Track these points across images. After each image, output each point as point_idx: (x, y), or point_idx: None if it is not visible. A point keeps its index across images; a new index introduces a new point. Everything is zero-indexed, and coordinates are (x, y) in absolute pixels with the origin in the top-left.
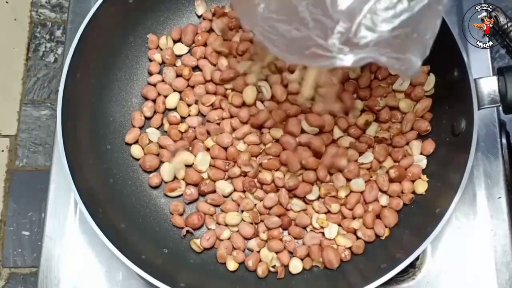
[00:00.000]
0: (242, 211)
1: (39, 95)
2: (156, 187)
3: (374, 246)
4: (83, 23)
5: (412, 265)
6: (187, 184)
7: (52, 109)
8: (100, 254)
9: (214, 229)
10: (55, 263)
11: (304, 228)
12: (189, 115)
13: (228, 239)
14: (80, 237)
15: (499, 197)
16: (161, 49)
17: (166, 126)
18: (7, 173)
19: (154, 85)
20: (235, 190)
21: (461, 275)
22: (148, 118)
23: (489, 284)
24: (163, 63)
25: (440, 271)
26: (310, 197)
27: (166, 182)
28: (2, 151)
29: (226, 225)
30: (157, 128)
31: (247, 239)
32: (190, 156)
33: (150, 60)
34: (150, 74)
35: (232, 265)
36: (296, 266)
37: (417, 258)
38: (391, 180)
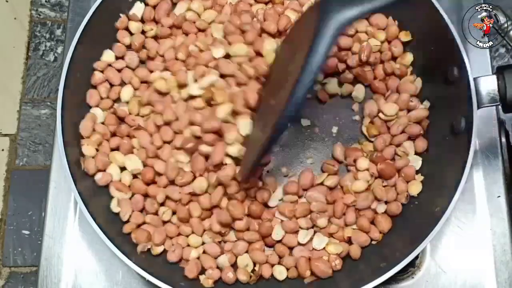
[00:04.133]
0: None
1: (39, 94)
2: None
3: (373, 245)
4: (83, 22)
5: (412, 264)
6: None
7: (52, 108)
8: (100, 253)
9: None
10: (55, 262)
11: (291, 248)
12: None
13: (197, 258)
14: (80, 236)
15: (499, 196)
16: (131, 33)
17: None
18: (7, 172)
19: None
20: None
21: (460, 274)
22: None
23: (488, 283)
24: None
25: (440, 270)
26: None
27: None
28: (2, 150)
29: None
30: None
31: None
32: (121, 157)
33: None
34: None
35: (208, 283)
36: (281, 272)
37: (416, 257)
38: (379, 174)
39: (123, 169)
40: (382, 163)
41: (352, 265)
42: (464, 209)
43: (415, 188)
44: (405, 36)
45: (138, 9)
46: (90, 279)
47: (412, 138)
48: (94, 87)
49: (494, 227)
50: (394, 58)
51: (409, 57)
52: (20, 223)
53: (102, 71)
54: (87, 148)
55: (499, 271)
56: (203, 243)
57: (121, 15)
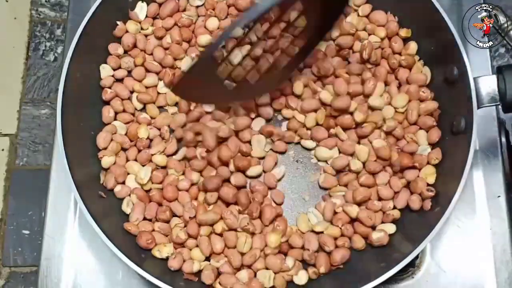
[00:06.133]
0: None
1: (39, 94)
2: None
3: (373, 245)
4: (82, 22)
5: (412, 264)
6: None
7: (52, 108)
8: (100, 253)
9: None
10: (55, 262)
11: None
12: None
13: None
14: (80, 236)
15: (499, 196)
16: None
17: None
18: (7, 172)
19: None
20: None
21: (460, 274)
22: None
23: (488, 283)
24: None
25: (440, 270)
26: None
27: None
28: (2, 150)
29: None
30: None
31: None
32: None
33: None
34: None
35: None
36: (300, 278)
37: (416, 257)
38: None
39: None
40: (400, 153)
41: (352, 265)
42: (464, 209)
43: (431, 176)
44: (405, 33)
45: (140, 9)
46: (90, 279)
47: (425, 129)
48: (107, 102)
49: (494, 227)
50: (396, 54)
51: (413, 46)
52: (20, 223)
53: (110, 87)
54: (107, 160)
55: (499, 271)
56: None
57: (118, 22)
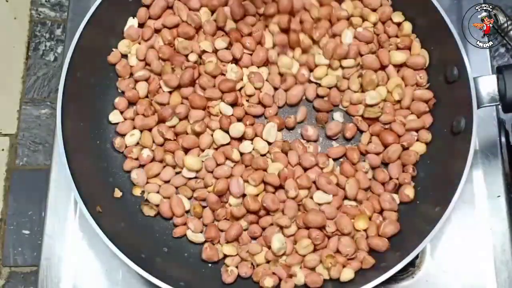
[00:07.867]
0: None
1: (39, 94)
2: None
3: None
4: (82, 22)
5: (412, 263)
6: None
7: (52, 108)
8: (100, 253)
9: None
10: (55, 262)
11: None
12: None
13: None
14: (80, 236)
15: (498, 196)
16: (123, 55)
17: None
18: (7, 172)
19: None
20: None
21: (460, 274)
22: None
23: (488, 283)
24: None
25: (440, 270)
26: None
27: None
28: (2, 150)
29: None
30: None
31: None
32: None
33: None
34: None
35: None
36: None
37: (416, 257)
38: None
39: None
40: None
41: None
42: (464, 209)
43: (420, 148)
44: (398, 17)
45: (130, 24)
46: (90, 279)
47: (418, 115)
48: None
49: (494, 227)
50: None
51: (407, 27)
52: (20, 223)
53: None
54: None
55: (499, 270)
56: None
57: (114, 49)
